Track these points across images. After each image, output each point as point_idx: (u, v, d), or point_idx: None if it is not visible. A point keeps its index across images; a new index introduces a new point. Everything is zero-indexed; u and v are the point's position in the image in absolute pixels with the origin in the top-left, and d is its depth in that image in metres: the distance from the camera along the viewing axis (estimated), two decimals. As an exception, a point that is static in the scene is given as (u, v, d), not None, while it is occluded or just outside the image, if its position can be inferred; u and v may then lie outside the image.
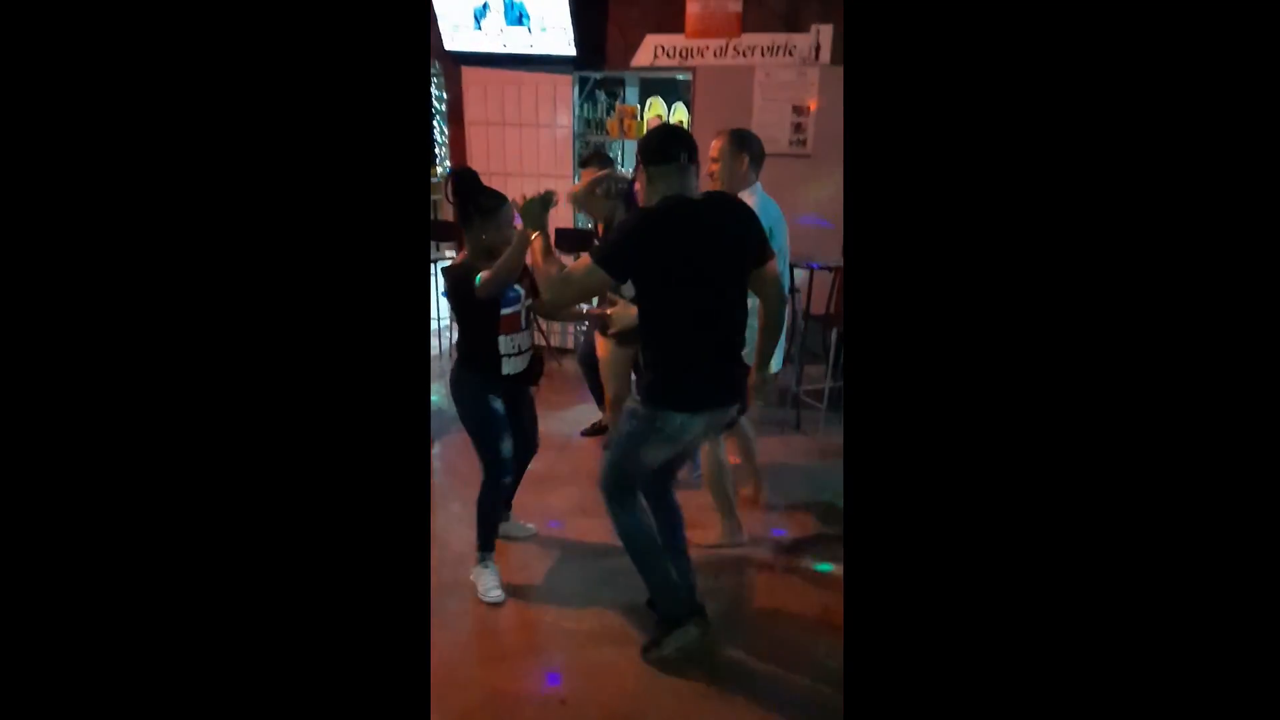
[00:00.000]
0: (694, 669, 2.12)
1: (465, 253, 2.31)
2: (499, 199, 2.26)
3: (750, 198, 2.49)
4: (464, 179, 2.27)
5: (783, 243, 2.56)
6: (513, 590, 2.48)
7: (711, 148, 2.60)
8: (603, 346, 2.98)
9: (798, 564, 2.70)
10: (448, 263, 2.30)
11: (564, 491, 3.12)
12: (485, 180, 2.33)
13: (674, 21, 4.51)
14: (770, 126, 4.51)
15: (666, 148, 1.87)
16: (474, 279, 2.14)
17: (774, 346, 2.11)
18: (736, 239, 1.88)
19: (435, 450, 3.63)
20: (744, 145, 2.56)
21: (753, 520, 2.92)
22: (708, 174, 2.61)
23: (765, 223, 2.40)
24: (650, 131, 2.00)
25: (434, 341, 5.09)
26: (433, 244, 5.63)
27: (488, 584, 2.45)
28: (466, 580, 2.50)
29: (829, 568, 2.64)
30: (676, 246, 1.79)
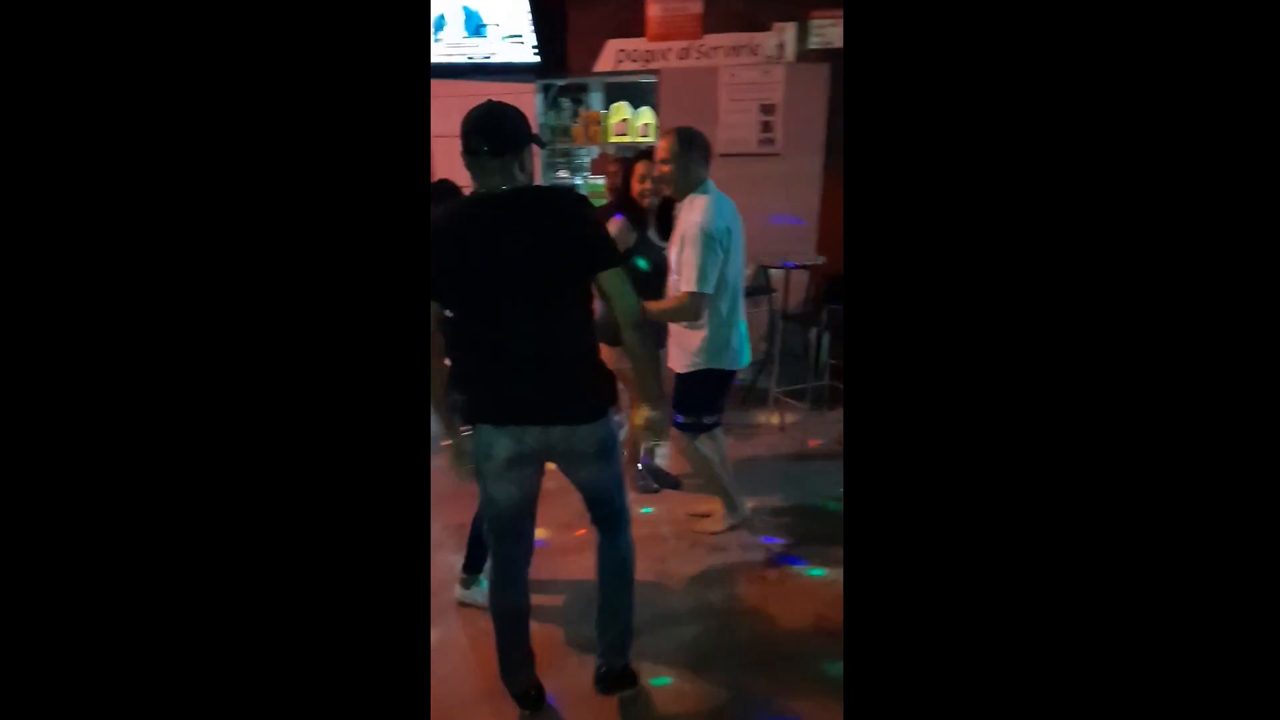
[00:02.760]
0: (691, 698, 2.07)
1: None
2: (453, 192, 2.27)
3: (702, 198, 2.45)
4: (443, 192, 2.38)
5: (739, 243, 2.51)
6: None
7: (658, 148, 2.54)
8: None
9: (790, 570, 2.66)
10: None
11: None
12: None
13: (635, 25, 4.48)
14: (738, 127, 4.48)
15: (466, 139, 1.61)
16: None
17: (650, 377, 1.83)
18: (543, 240, 1.60)
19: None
20: (692, 143, 2.48)
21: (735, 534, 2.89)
22: (656, 175, 2.57)
23: (721, 224, 2.37)
24: (472, 117, 1.66)
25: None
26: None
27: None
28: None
29: (822, 573, 2.60)
30: (462, 250, 1.58)
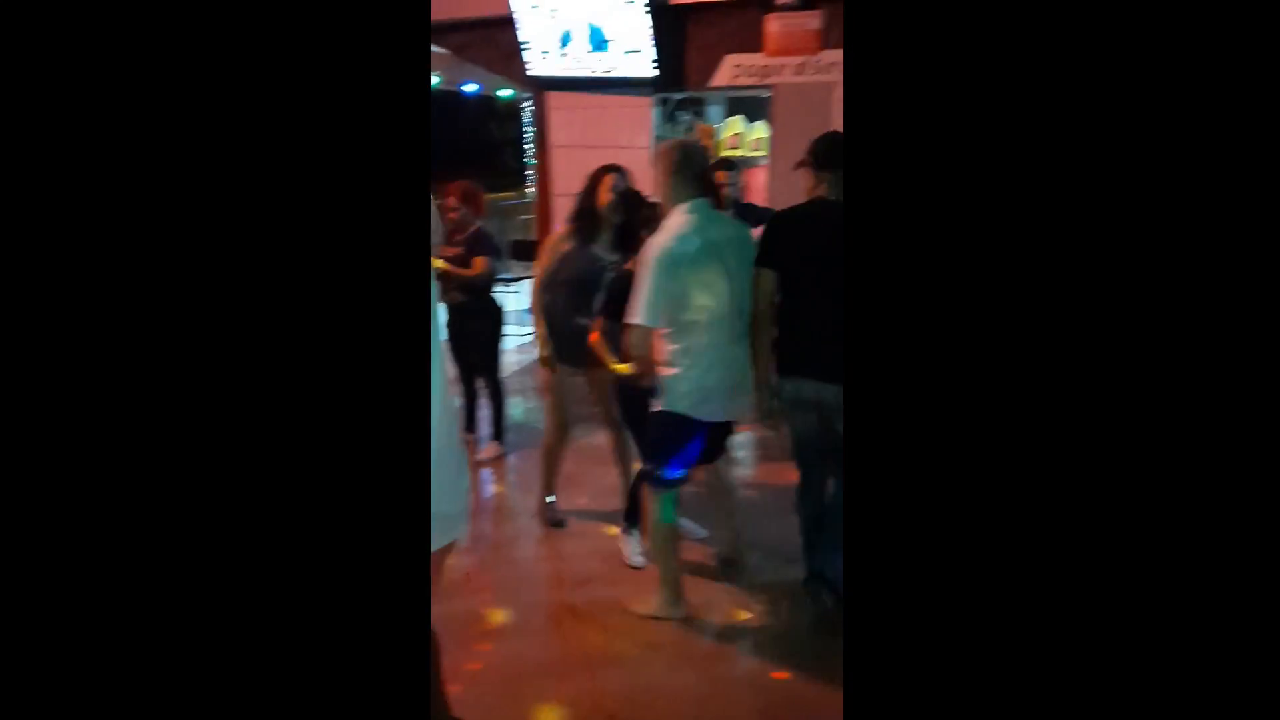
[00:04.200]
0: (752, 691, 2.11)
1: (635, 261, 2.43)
2: (657, 207, 2.39)
3: (675, 219, 2.13)
4: (629, 197, 2.64)
5: (736, 269, 2.17)
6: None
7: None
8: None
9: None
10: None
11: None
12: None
13: (754, 41, 4.55)
14: (852, 142, 4.47)
15: (826, 158, 2.15)
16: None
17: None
18: (828, 240, 2.02)
19: (511, 461, 3.74)
20: (683, 159, 2.16)
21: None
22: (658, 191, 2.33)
23: (682, 247, 2.07)
24: (828, 140, 2.20)
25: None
26: (520, 263, 5.93)
27: (633, 550, 2.72)
28: (525, 592, 2.61)
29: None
30: (794, 240, 2.15)
